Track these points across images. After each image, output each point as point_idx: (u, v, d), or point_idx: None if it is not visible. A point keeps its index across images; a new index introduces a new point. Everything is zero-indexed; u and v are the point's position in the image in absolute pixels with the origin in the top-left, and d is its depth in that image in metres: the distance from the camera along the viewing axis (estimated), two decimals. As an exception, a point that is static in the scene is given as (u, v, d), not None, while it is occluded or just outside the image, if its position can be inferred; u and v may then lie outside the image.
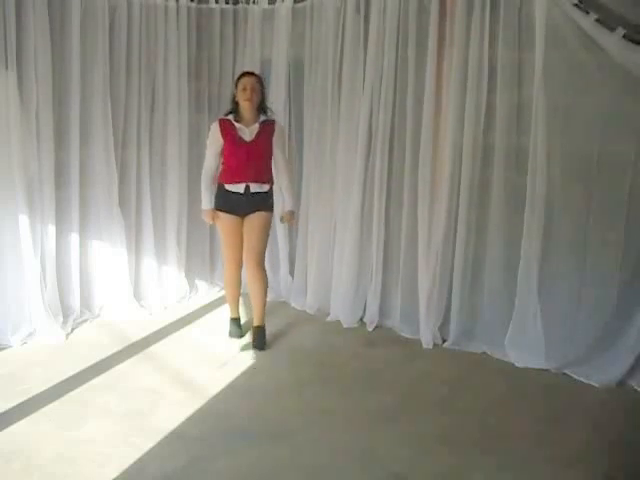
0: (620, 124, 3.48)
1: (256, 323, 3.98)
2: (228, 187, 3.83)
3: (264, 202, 3.87)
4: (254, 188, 3.80)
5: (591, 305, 3.61)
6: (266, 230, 3.91)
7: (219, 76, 4.88)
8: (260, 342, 3.92)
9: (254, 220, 3.85)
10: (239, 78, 3.84)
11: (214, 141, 3.85)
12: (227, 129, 3.80)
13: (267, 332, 4.02)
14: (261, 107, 3.84)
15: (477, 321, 4.02)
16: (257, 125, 3.80)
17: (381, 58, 4.14)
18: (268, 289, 4.93)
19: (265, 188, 3.85)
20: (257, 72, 4.09)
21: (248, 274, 3.92)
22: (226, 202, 3.85)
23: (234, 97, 3.83)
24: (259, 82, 3.82)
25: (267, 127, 3.82)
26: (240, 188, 3.80)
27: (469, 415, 3.17)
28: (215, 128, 3.84)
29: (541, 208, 3.68)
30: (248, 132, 3.79)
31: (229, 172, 3.83)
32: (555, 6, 3.50)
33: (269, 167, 3.89)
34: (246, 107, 3.78)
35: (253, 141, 3.78)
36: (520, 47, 3.70)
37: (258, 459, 2.71)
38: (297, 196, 4.19)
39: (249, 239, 3.86)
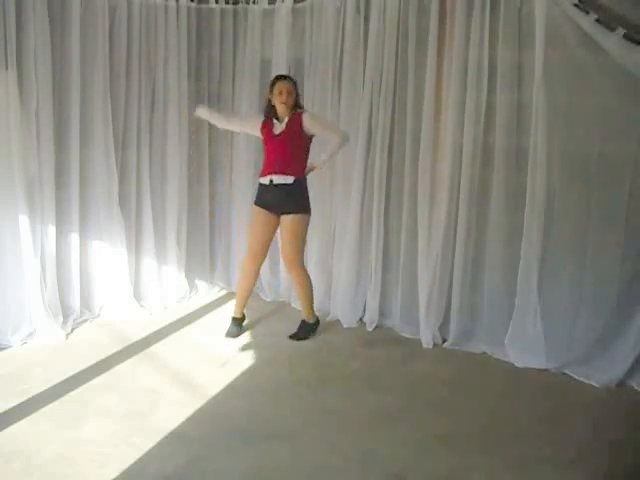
0: (620, 124, 3.48)
1: (302, 317, 4.19)
2: (260, 180, 4.01)
3: (293, 200, 3.90)
4: (277, 180, 3.89)
5: (591, 305, 3.61)
6: (296, 234, 3.94)
7: (219, 76, 4.88)
8: (296, 334, 4.12)
9: (286, 223, 3.94)
10: (274, 82, 3.94)
11: (249, 120, 4.19)
12: (267, 124, 3.98)
13: (267, 332, 4.03)
14: (295, 107, 3.93)
15: (477, 321, 4.02)
16: (286, 119, 3.91)
17: (381, 58, 4.14)
18: (269, 289, 4.96)
19: (289, 180, 3.88)
20: (290, 75, 4.19)
21: (289, 277, 4.29)
22: (259, 196, 4.01)
23: (269, 100, 3.95)
24: (294, 85, 3.93)
25: (295, 118, 3.88)
26: (266, 180, 3.94)
27: (469, 415, 3.17)
28: (259, 118, 4.04)
29: (541, 208, 3.68)
30: (279, 127, 3.93)
31: (263, 166, 4.01)
32: (555, 6, 3.50)
33: (296, 159, 3.91)
34: (282, 110, 3.91)
35: (281, 133, 3.91)
36: (520, 47, 3.71)
37: (258, 459, 2.71)
38: (334, 157, 4.13)
39: (282, 242, 4.05)
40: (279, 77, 4.00)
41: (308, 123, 3.86)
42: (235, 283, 5.03)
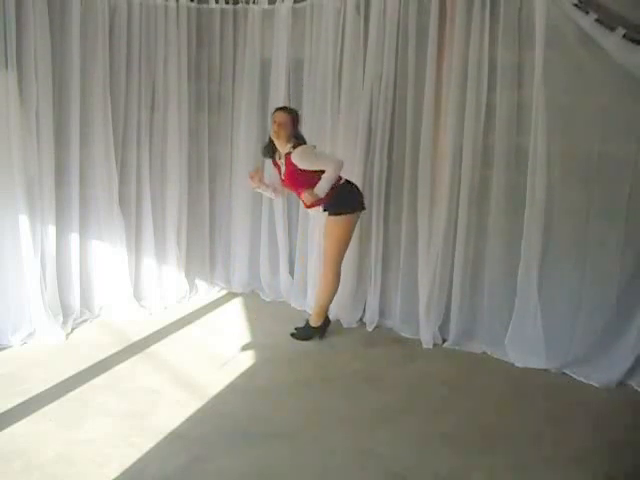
0: (620, 124, 3.48)
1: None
2: None
3: (330, 207, 3.87)
4: (313, 213, 4.08)
5: (591, 305, 3.61)
6: (330, 236, 3.90)
7: (219, 76, 4.88)
8: (296, 333, 4.14)
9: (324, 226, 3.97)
10: (273, 113, 3.94)
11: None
12: (276, 163, 4.03)
13: (267, 332, 4.06)
14: (292, 137, 3.86)
15: (477, 321, 4.02)
16: (283, 160, 3.90)
17: (381, 58, 4.14)
18: (269, 289, 4.96)
19: (321, 209, 3.92)
20: (289, 107, 4.11)
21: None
22: None
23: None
24: (289, 116, 3.85)
25: (289, 159, 3.83)
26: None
27: (469, 415, 3.17)
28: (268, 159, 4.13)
29: (541, 208, 3.68)
30: (282, 166, 3.94)
31: None
32: (555, 6, 3.50)
33: (311, 188, 3.77)
34: (276, 142, 3.89)
35: (285, 177, 3.94)
36: (520, 47, 3.71)
37: (258, 459, 2.72)
38: (325, 187, 3.80)
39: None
40: (276, 109, 3.98)
41: (298, 162, 3.78)
42: (235, 283, 5.05)
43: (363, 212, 4.03)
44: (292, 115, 3.88)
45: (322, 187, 3.74)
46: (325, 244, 3.96)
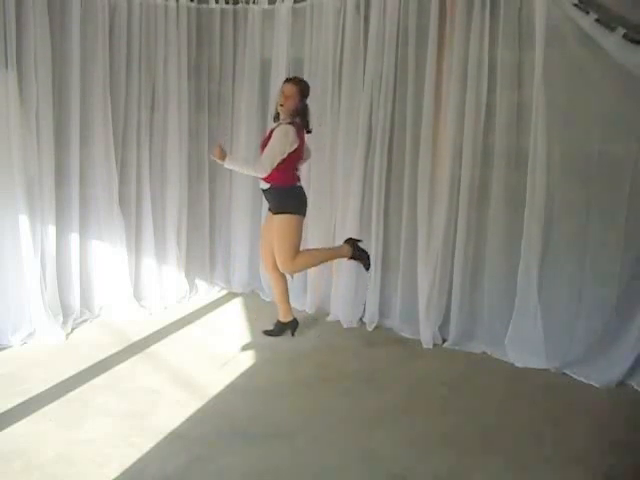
0: (620, 124, 3.48)
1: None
2: None
3: (275, 201, 3.87)
4: (260, 185, 3.92)
5: (591, 305, 3.61)
6: (280, 234, 3.86)
7: (219, 76, 4.88)
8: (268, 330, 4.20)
9: (273, 223, 3.92)
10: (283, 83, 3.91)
11: None
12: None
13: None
14: (298, 114, 3.83)
15: (477, 321, 4.02)
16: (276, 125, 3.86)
17: (381, 58, 4.14)
18: (269, 289, 4.97)
19: (265, 185, 3.87)
20: (301, 77, 4.05)
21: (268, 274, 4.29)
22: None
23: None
24: (297, 89, 3.80)
25: (276, 128, 3.82)
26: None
27: (469, 415, 3.16)
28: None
29: (541, 208, 3.68)
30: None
31: None
32: (555, 6, 3.50)
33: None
34: (280, 111, 3.84)
35: (267, 135, 3.89)
36: (520, 47, 3.71)
37: (258, 459, 2.71)
38: (235, 165, 3.82)
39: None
40: (286, 79, 3.96)
41: (274, 134, 3.75)
42: (235, 283, 5.05)
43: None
44: (300, 86, 3.83)
45: (234, 160, 3.82)
46: (274, 242, 3.92)
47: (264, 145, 3.85)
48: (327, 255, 4.07)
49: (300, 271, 4.15)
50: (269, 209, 3.98)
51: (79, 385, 3.34)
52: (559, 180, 3.67)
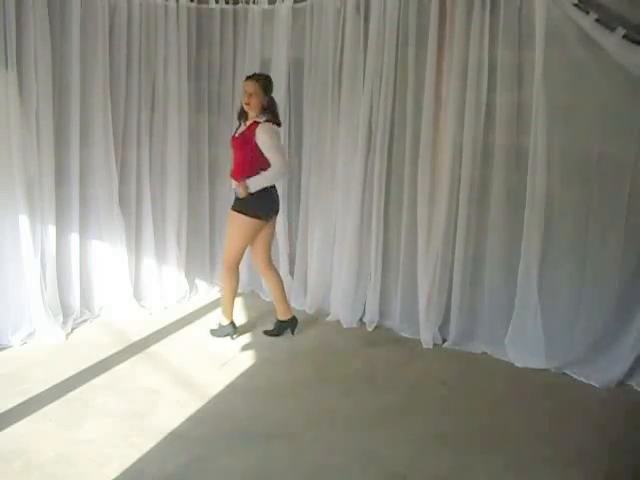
0: (620, 124, 3.48)
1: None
2: None
3: (237, 201, 3.84)
4: (233, 184, 3.89)
5: (591, 305, 3.61)
6: (231, 229, 3.88)
7: (219, 76, 4.88)
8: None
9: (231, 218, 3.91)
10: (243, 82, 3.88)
11: None
12: (238, 127, 3.95)
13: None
14: (266, 110, 3.81)
15: (477, 321, 4.02)
16: (248, 123, 3.82)
17: (381, 58, 4.13)
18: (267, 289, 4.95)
19: (234, 184, 3.86)
20: (262, 73, 4.03)
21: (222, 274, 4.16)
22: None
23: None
24: (259, 85, 3.78)
25: (251, 126, 3.79)
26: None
27: (469, 415, 3.17)
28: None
29: (541, 208, 3.68)
30: (241, 129, 3.87)
31: None
32: (555, 6, 3.50)
33: (246, 166, 3.78)
34: (248, 110, 3.81)
35: (238, 136, 3.87)
36: (520, 47, 3.70)
37: (258, 459, 2.72)
38: (260, 183, 3.76)
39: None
40: (246, 77, 3.90)
41: (259, 135, 3.71)
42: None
43: (271, 219, 3.98)
44: (261, 82, 3.81)
45: (257, 182, 3.74)
46: (226, 238, 3.96)
47: (237, 145, 3.83)
48: (277, 294, 4.10)
49: (230, 279, 4.02)
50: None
51: (79, 385, 3.34)
52: (559, 180, 3.67)
